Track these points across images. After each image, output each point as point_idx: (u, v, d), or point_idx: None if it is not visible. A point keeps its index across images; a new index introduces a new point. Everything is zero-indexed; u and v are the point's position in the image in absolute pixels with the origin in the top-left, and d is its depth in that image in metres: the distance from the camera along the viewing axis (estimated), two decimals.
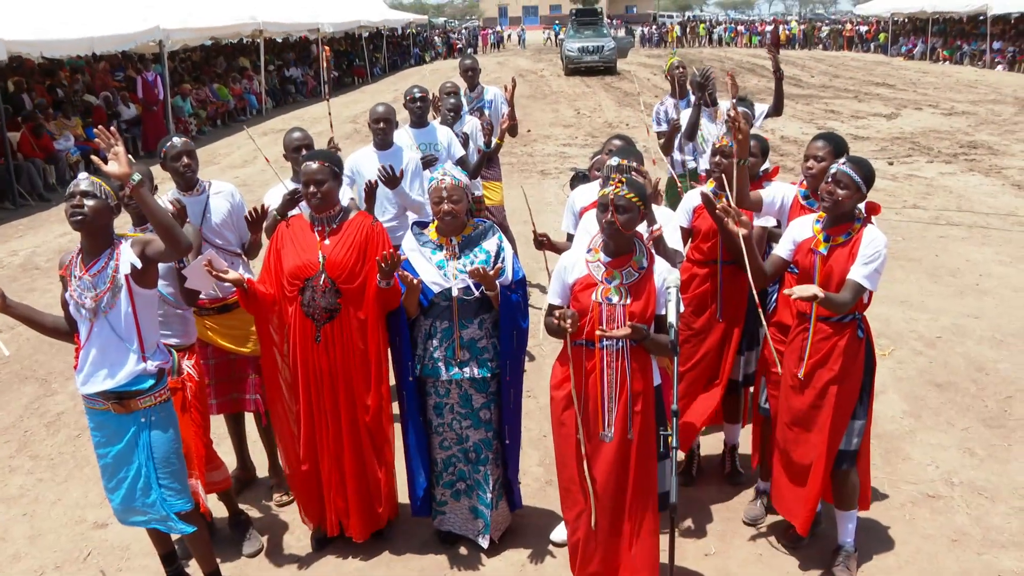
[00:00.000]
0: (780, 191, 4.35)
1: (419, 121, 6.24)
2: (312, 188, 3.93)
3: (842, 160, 3.77)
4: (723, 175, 4.24)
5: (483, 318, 3.99)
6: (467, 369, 3.99)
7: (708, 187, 4.52)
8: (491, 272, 3.80)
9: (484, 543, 4.24)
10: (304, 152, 4.70)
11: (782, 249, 3.96)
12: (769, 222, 4.41)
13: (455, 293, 3.92)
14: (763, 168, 4.78)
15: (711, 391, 4.56)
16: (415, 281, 3.86)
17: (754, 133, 5.11)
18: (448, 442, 4.16)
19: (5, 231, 11.12)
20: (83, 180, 3.41)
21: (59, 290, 3.53)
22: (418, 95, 6.20)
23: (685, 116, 6.81)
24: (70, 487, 4.96)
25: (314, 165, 3.93)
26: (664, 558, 3.48)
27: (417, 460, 4.18)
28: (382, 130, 5.57)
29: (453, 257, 3.96)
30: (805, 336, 3.84)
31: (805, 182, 4.28)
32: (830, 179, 3.72)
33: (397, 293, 3.96)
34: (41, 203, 12.57)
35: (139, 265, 3.41)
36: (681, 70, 7.32)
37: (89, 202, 3.36)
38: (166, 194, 4.27)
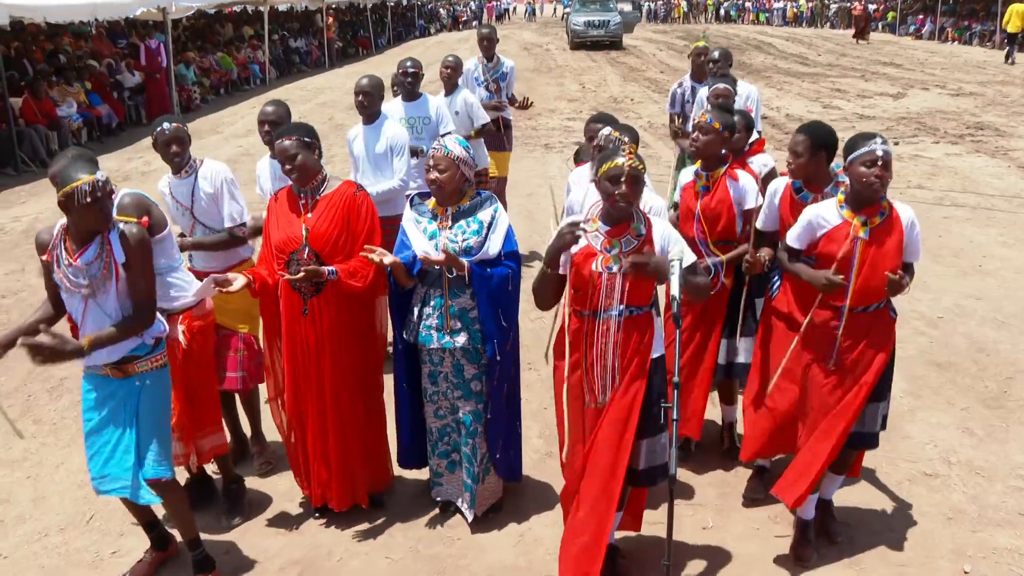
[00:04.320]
0: (773, 188, 4.19)
1: (410, 95, 6.22)
2: (287, 165, 3.94)
3: (882, 139, 3.61)
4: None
5: (472, 288, 3.99)
6: (458, 338, 3.99)
7: (695, 166, 4.47)
8: (439, 258, 3.79)
9: (469, 516, 4.26)
10: (266, 127, 4.71)
11: (800, 240, 3.80)
12: (754, 200, 4.34)
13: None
14: (750, 141, 4.78)
15: (699, 380, 4.53)
16: (385, 261, 3.83)
17: (737, 109, 5.10)
18: (443, 411, 4.18)
19: (7, 197, 11.10)
20: (103, 180, 3.30)
21: None
22: (411, 69, 6.20)
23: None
24: (73, 451, 5.00)
25: (286, 143, 3.94)
26: (662, 531, 3.51)
27: (404, 425, 4.27)
28: (361, 103, 5.57)
29: (446, 227, 3.96)
30: (836, 327, 3.76)
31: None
32: (879, 162, 3.55)
33: (348, 284, 3.94)
34: (43, 170, 12.46)
35: (124, 260, 3.43)
36: (703, 58, 7.09)
37: (110, 204, 3.39)
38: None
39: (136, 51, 17.03)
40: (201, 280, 4.01)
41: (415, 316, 4.05)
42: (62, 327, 3.60)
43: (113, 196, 3.49)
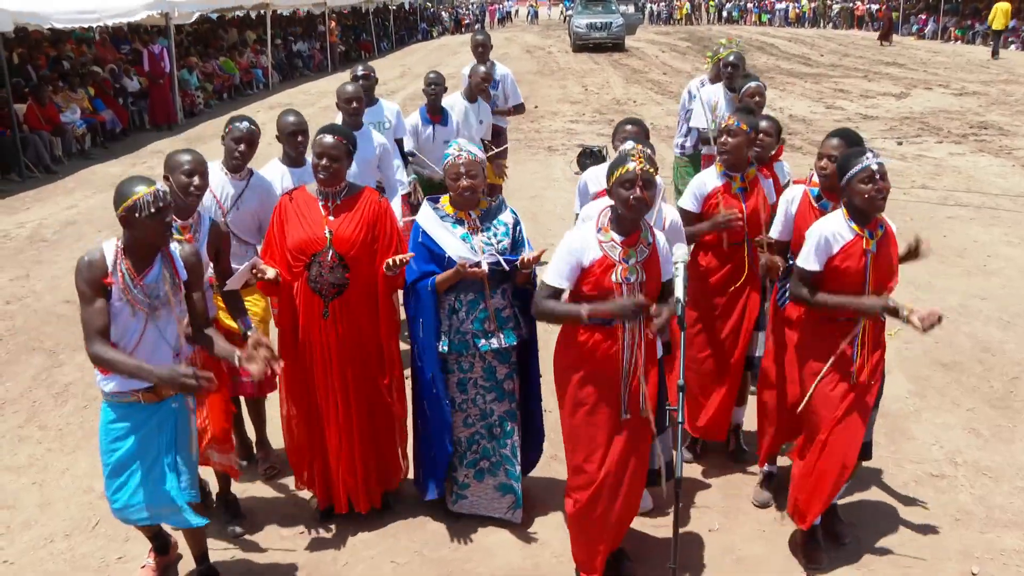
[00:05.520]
0: (789, 196, 4.19)
1: (367, 99, 6.29)
2: (325, 161, 3.93)
3: (873, 154, 3.61)
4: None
5: (504, 287, 4.01)
6: (494, 340, 3.99)
7: (718, 170, 4.45)
8: (534, 256, 3.87)
9: (517, 518, 4.22)
10: (300, 137, 4.71)
11: (817, 261, 3.70)
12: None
13: (484, 267, 3.89)
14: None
15: (729, 377, 4.54)
16: (470, 268, 3.84)
17: (765, 114, 5.10)
18: (472, 419, 4.15)
19: (12, 203, 11.12)
20: (164, 191, 3.27)
21: (65, 262, 3.47)
22: (360, 72, 6.32)
23: (706, 95, 6.80)
24: (78, 457, 5.00)
25: (330, 139, 3.94)
26: (668, 533, 3.51)
27: (442, 442, 4.13)
28: (356, 110, 5.58)
29: (476, 230, 3.96)
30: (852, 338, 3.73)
31: (817, 180, 4.12)
32: (878, 176, 3.55)
33: (402, 277, 4.01)
34: (47, 175, 12.55)
35: (187, 278, 3.44)
36: (731, 70, 6.64)
37: (171, 214, 3.35)
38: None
39: (139, 57, 17.07)
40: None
41: (447, 326, 4.02)
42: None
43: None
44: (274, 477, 4.73)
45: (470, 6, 56.21)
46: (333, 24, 28.64)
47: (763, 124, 4.61)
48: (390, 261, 3.89)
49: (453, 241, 3.93)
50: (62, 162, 13.27)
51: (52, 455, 5.08)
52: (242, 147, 4.34)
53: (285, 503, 4.52)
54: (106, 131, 15.00)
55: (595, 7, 33.46)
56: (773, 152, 4.77)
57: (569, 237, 3.58)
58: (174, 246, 3.44)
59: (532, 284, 4.03)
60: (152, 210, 3.20)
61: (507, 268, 3.92)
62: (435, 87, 6.52)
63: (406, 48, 35.93)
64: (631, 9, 37.78)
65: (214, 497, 4.41)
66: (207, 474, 4.26)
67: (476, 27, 45.66)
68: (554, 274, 3.52)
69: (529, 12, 59.35)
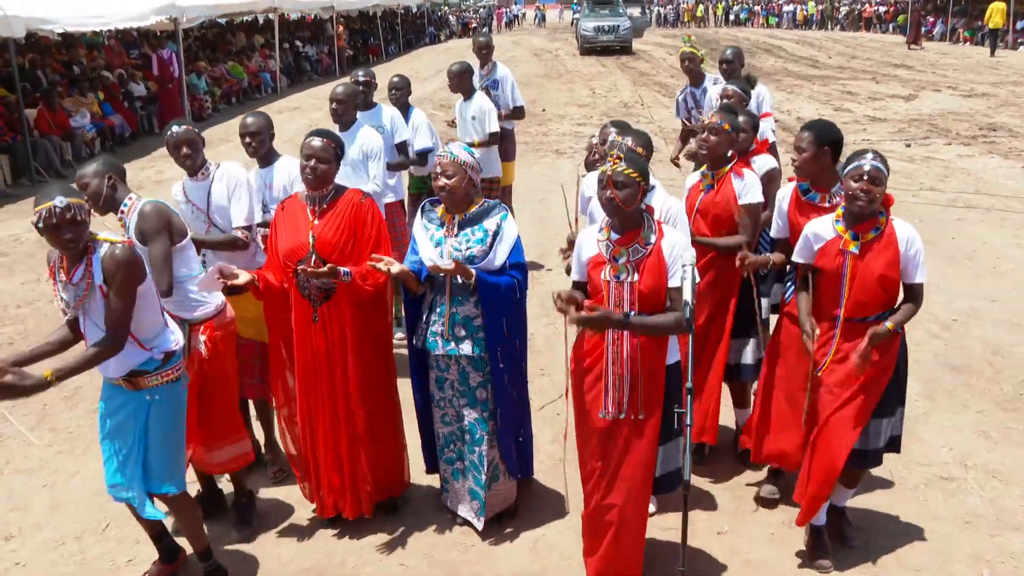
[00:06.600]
0: (781, 195, 4.22)
1: (364, 104, 6.32)
2: (313, 162, 3.94)
3: (873, 156, 3.61)
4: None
5: (477, 297, 3.97)
6: (463, 346, 3.99)
7: (702, 168, 4.55)
8: (448, 267, 3.77)
9: (479, 525, 4.24)
10: (247, 139, 4.66)
11: (801, 255, 3.85)
12: (755, 196, 4.36)
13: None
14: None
15: (711, 384, 4.52)
16: (393, 271, 3.85)
17: (747, 110, 5.16)
18: (449, 417, 4.19)
19: (22, 207, 11.18)
20: (61, 207, 3.22)
21: None
22: (362, 78, 6.36)
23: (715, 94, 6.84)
24: (88, 459, 5.02)
25: (318, 142, 3.97)
26: (676, 536, 3.51)
27: (423, 432, 4.32)
28: (335, 111, 5.69)
29: (452, 235, 3.95)
30: (832, 337, 3.75)
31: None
32: (865, 177, 3.55)
33: (360, 287, 3.94)
34: (58, 180, 12.62)
35: (102, 281, 3.36)
36: (688, 63, 7.29)
37: (78, 229, 3.30)
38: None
39: (148, 61, 17.15)
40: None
41: (423, 322, 4.07)
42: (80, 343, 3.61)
43: (87, 219, 3.36)
44: (283, 480, 4.74)
45: (478, 10, 56.27)
46: (341, 28, 28.71)
47: (740, 119, 4.69)
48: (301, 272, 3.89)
49: (424, 244, 3.98)
50: (72, 166, 13.32)
51: (62, 458, 5.10)
52: (183, 150, 4.31)
53: (293, 505, 4.53)
54: (115, 135, 15.09)
55: (602, 10, 33.46)
56: (752, 147, 4.81)
57: (580, 235, 3.71)
58: (103, 249, 3.36)
59: (495, 293, 3.92)
60: (51, 223, 3.24)
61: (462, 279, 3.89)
62: (396, 91, 6.67)
63: (413, 52, 35.99)
64: (638, 12, 37.72)
65: (225, 497, 4.43)
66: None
67: (484, 30, 45.82)
68: (573, 268, 3.72)
69: (536, 15, 59.43)
